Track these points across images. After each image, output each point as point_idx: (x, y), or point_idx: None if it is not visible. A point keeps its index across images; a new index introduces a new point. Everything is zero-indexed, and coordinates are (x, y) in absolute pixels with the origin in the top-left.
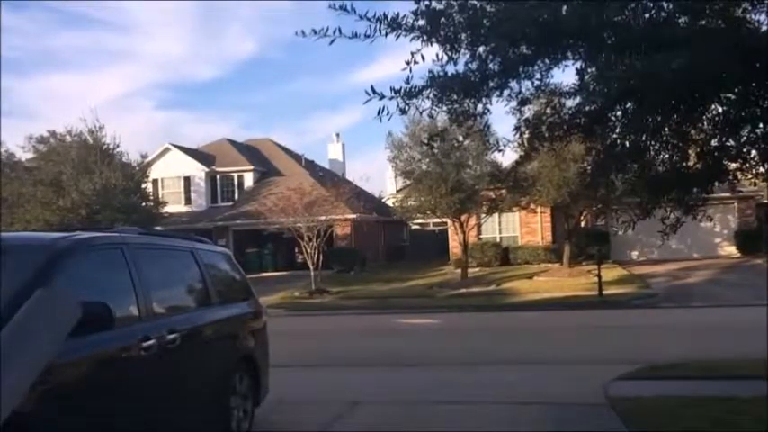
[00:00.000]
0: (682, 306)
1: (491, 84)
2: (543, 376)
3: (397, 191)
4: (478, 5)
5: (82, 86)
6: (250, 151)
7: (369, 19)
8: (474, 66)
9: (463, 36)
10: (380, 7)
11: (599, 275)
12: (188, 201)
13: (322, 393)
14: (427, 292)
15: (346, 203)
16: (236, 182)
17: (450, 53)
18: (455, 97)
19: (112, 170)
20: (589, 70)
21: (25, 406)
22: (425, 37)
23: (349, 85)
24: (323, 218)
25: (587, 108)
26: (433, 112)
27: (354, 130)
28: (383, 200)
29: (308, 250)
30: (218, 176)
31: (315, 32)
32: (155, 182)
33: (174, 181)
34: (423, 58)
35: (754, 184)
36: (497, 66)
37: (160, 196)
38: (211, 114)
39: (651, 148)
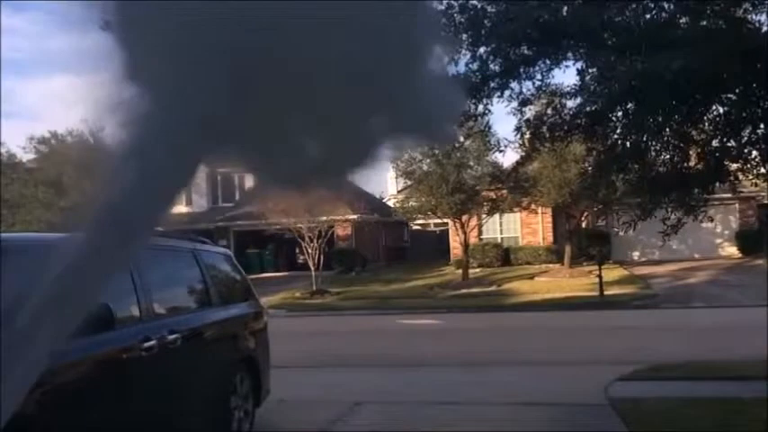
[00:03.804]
0: (682, 307)
1: (492, 84)
2: (544, 377)
3: (398, 191)
4: (479, 6)
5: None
6: None
7: None
8: (475, 66)
9: (464, 36)
10: None
11: (600, 276)
12: (189, 201)
13: (323, 394)
14: (428, 292)
15: (347, 204)
16: (237, 182)
17: (450, 54)
18: None
19: None
20: (590, 71)
21: (25, 407)
22: None
23: None
24: (324, 218)
25: (588, 108)
26: None
27: None
28: (384, 200)
29: (309, 251)
30: (218, 177)
31: None
32: None
33: None
34: None
35: (755, 185)
36: (498, 66)
37: None
38: None
39: (652, 148)
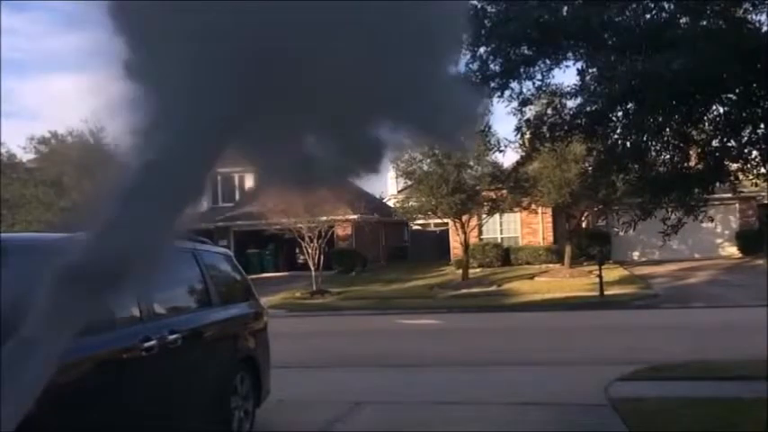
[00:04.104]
0: (682, 307)
1: (492, 84)
2: (544, 377)
3: (399, 191)
4: (479, 6)
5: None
6: None
7: None
8: (475, 66)
9: (464, 36)
10: None
11: (600, 276)
12: None
13: (323, 394)
14: (428, 292)
15: (347, 204)
16: (237, 182)
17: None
18: None
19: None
20: (590, 71)
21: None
22: None
23: None
24: (324, 218)
25: (588, 108)
26: None
27: None
28: (384, 200)
29: (309, 251)
30: (218, 177)
31: None
32: None
33: None
34: None
35: (755, 185)
36: (498, 66)
37: None
38: None
39: (652, 148)
